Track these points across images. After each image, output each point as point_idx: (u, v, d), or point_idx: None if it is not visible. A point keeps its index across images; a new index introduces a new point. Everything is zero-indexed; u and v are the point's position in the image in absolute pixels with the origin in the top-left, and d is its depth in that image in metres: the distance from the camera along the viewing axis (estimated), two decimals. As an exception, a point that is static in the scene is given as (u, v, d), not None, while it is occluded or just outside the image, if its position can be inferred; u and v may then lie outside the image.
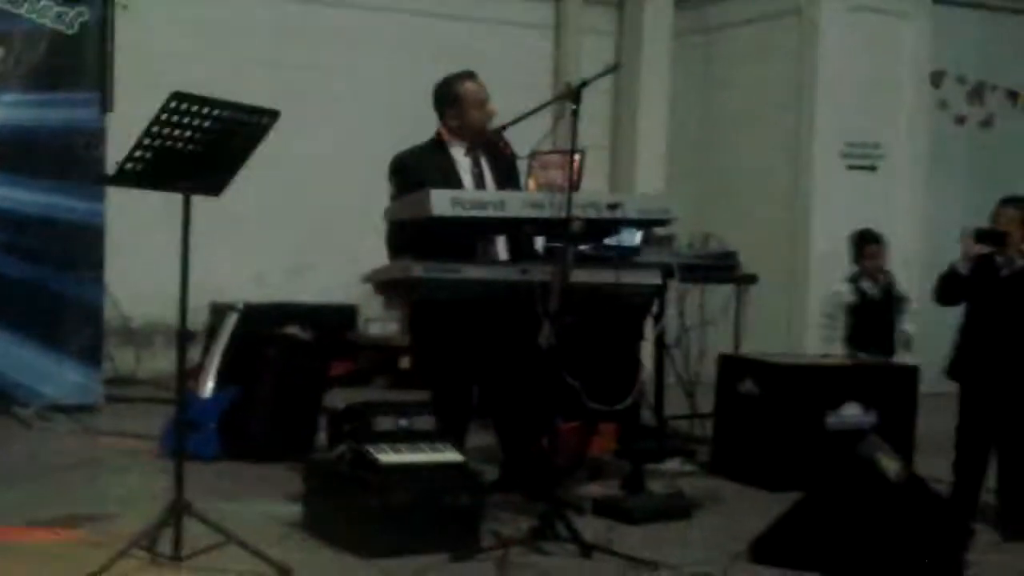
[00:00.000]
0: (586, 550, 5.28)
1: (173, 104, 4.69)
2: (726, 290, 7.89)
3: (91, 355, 8.38)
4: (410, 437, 5.52)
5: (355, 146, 9.38)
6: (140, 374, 9.49)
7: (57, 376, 8.24)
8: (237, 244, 8.29)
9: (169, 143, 4.76)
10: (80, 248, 8.25)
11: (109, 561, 4.78)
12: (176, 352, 5.09)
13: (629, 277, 6.16)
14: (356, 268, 7.32)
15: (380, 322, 9.01)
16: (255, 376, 7.09)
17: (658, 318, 6.95)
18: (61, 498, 6.07)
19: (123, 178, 4.86)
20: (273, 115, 4.97)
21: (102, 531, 5.48)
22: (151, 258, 9.03)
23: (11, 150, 7.90)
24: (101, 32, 8.22)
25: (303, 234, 9.76)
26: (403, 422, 5.54)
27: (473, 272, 5.76)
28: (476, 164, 6.21)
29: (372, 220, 7.14)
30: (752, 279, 7.94)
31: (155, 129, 4.72)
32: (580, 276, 5.59)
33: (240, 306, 7.12)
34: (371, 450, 5.37)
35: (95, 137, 8.18)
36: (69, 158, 8.16)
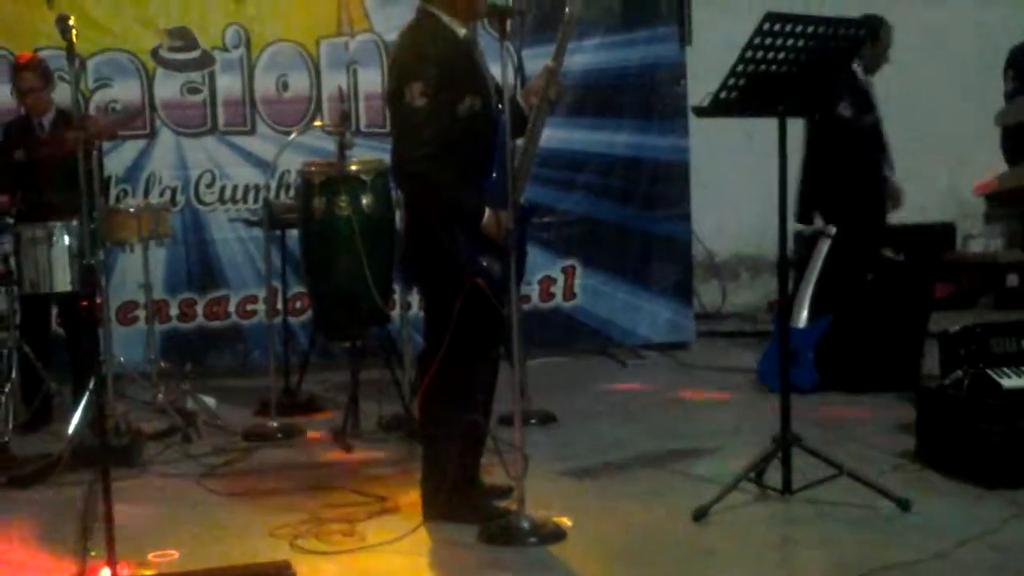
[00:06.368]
0: None
1: (767, 26, 4.51)
2: None
3: (681, 292, 8.39)
4: (1035, 359, 5.12)
5: (948, 42, 8.60)
6: (726, 308, 9.43)
7: (650, 315, 8.32)
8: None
9: (763, 67, 4.61)
10: (666, 186, 8.26)
11: (719, 495, 4.69)
12: (778, 280, 4.93)
13: None
14: (953, 182, 6.83)
15: (982, 239, 8.33)
16: (851, 302, 6.76)
17: None
18: (661, 433, 6.08)
19: (718, 108, 4.71)
20: (871, 24, 4.69)
21: (706, 465, 5.42)
22: (730, 191, 8.97)
23: (595, 94, 8.02)
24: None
25: (892, 148, 9.19)
26: (1026, 343, 5.15)
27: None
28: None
29: (972, 127, 6.61)
30: None
31: (749, 54, 4.56)
32: None
33: (832, 231, 6.80)
34: (992, 374, 5.06)
35: (676, 72, 8.13)
36: (652, 96, 8.17)
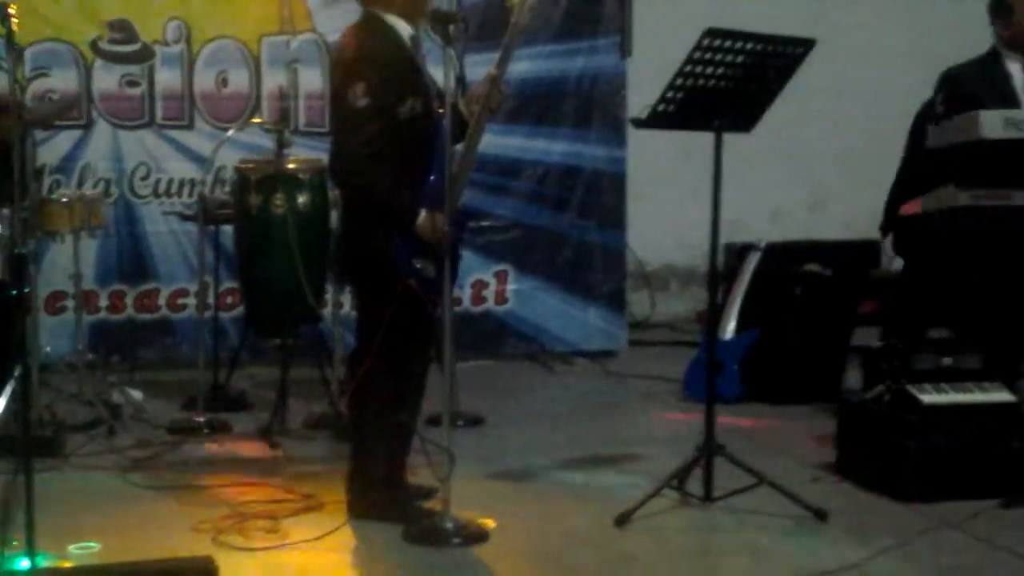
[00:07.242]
0: None
1: (707, 41, 4.59)
2: None
3: (614, 301, 8.44)
4: (955, 376, 5.22)
5: (880, 68, 8.75)
6: (655, 318, 9.50)
7: (581, 322, 8.36)
8: (752, 181, 8.02)
9: (702, 81, 4.69)
10: (601, 195, 8.30)
11: (641, 501, 4.76)
12: (707, 291, 5.06)
13: None
14: (879, 202, 6.93)
15: (906, 258, 8.52)
16: (778, 316, 6.87)
17: None
18: (587, 439, 6.14)
19: (656, 120, 4.78)
20: (809, 44, 4.77)
21: (630, 471, 5.48)
22: (664, 202, 9.03)
23: (534, 102, 8.06)
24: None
25: (821, 167, 9.34)
26: (946, 360, 5.26)
27: (1027, 200, 5.27)
28: (1034, 80, 5.64)
29: (898, 149, 6.71)
30: None
31: (688, 68, 4.63)
32: None
33: (762, 245, 6.93)
34: (912, 389, 5.12)
35: (616, 83, 8.19)
36: (591, 106, 8.20)
